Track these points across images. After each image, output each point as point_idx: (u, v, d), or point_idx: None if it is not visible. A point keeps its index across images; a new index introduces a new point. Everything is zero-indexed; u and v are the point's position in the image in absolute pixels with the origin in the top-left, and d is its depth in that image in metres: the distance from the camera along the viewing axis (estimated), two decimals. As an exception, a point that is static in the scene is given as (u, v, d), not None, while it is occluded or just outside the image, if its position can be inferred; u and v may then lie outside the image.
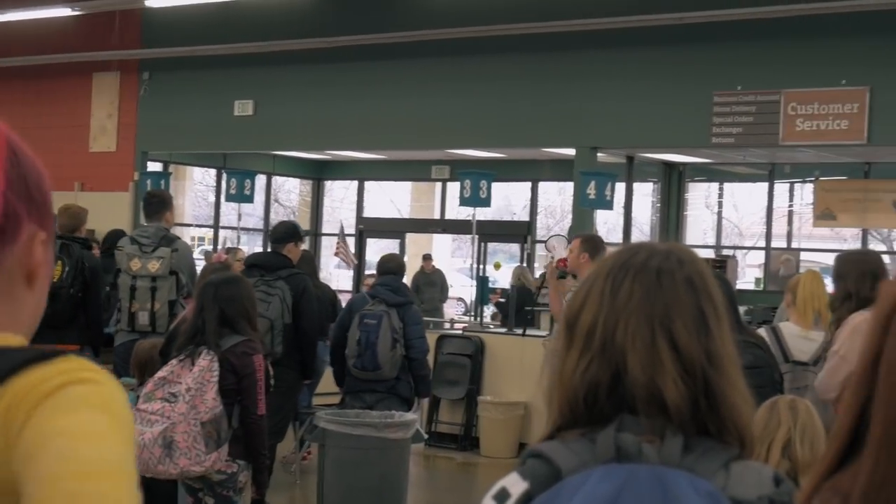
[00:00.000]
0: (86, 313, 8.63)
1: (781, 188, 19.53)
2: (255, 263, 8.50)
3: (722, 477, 1.76)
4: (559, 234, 12.21)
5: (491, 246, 22.76)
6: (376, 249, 24.04)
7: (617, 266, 1.88)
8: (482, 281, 14.56)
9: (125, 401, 1.42)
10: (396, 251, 23.62)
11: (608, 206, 14.15)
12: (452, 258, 24.96)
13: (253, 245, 23.98)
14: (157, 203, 9.01)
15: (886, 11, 13.67)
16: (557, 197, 25.19)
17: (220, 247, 20.23)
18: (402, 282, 8.99)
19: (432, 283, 20.26)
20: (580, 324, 1.87)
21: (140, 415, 5.69)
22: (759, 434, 3.91)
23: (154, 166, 20.42)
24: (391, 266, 9.03)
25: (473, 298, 18.61)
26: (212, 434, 5.68)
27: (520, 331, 12.66)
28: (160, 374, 5.85)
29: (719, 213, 20.99)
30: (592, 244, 8.34)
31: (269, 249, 9.00)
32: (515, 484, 1.81)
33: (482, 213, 16.33)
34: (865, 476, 1.88)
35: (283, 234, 8.68)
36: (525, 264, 20.82)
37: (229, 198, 16.70)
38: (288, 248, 8.54)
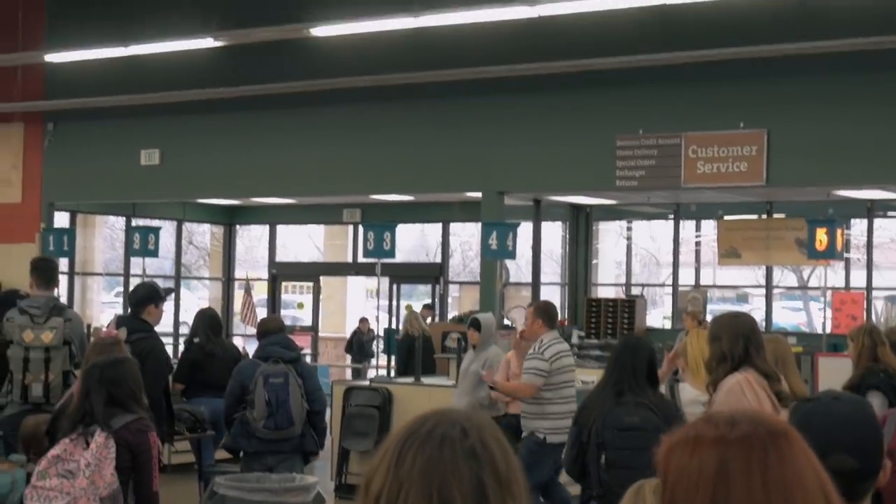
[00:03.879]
0: None
1: (689, 225, 19.79)
2: None
3: None
4: (518, 306, 12.75)
5: (404, 288, 22.75)
6: (288, 295, 23.94)
7: (407, 433, 1.90)
8: (388, 333, 14.56)
9: None
10: (310, 294, 23.58)
11: (510, 255, 14.30)
12: (367, 301, 24.88)
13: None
14: (47, 270, 8.90)
15: (781, 57, 13.92)
16: (477, 232, 25.20)
17: (110, 320, 19.88)
18: (290, 337, 9.05)
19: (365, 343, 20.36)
20: (371, 490, 1.89)
21: (36, 492, 5.73)
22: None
23: (61, 216, 20.25)
24: (273, 326, 9.08)
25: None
26: None
27: (426, 381, 12.70)
28: (54, 452, 5.86)
29: (628, 250, 21.13)
30: (544, 311, 9.12)
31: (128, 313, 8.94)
32: None
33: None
34: None
35: (141, 297, 8.66)
36: (437, 304, 20.83)
37: (133, 253, 16.67)
38: (148, 311, 8.56)
